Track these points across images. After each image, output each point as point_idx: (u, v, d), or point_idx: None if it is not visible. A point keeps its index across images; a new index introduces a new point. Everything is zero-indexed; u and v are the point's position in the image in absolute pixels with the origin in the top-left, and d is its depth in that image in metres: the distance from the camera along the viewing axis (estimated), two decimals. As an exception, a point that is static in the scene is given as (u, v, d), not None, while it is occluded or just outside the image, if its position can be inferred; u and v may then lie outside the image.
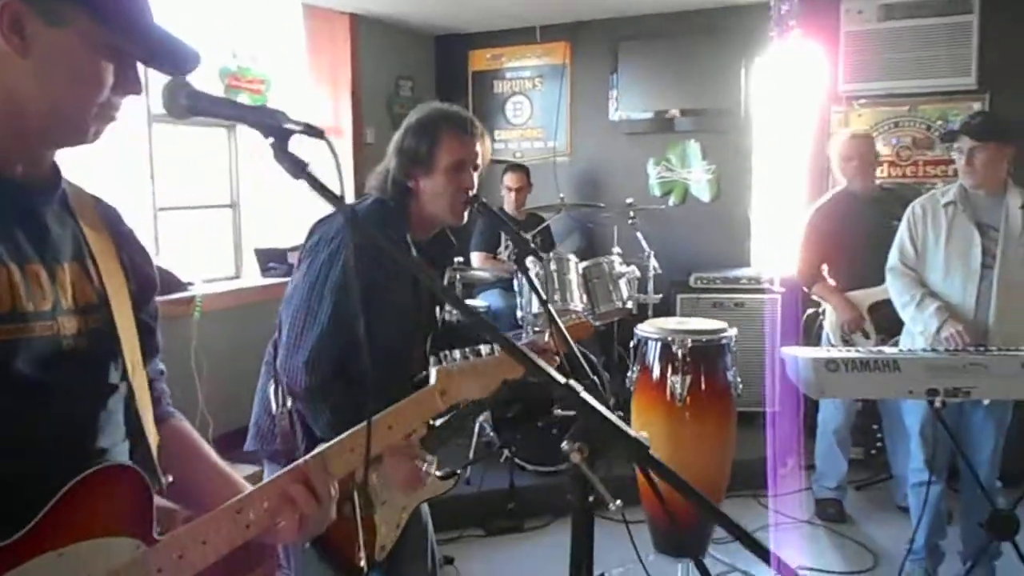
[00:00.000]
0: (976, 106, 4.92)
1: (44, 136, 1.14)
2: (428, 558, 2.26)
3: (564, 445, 1.13)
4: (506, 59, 6.07)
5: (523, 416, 4.17)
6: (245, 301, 4.48)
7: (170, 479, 1.23)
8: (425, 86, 6.05)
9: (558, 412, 4.13)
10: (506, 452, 4.18)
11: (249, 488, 1.26)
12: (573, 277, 4.40)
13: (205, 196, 4.70)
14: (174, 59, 1.18)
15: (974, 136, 3.20)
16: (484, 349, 1.57)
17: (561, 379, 1.18)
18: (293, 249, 5.07)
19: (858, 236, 3.89)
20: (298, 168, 1.23)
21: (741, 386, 3.31)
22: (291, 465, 1.25)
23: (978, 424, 3.28)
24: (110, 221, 1.27)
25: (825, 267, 4.11)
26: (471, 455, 4.33)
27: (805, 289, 4.18)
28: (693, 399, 3.15)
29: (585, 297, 4.36)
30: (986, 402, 3.19)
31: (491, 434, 4.31)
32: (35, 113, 1.10)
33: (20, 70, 1.07)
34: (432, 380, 1.49)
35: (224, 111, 1.24)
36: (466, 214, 2.11)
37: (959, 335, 3.08)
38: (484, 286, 4.89)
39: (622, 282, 4.51)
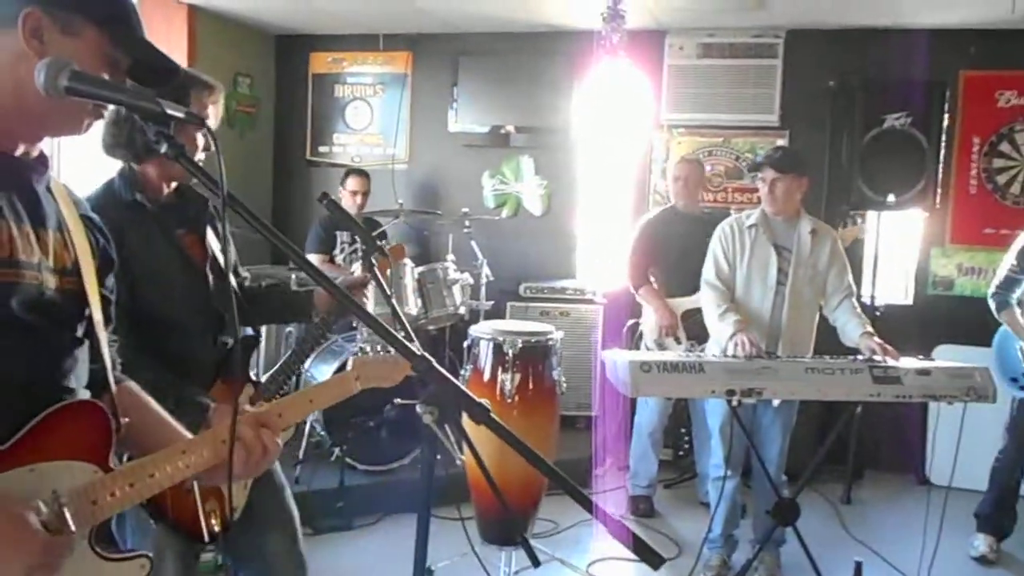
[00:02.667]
0: (780, 142, 5.49)
1: (46, 126, 1.33)
2: (288, 527, 2.30)
3: (418, 408, 1.30)
4: (347, 64, 6.15)
5: (354, 416, 4.28)
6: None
7: (126, 420, 1.41)
8: (264, 84, 6.05)
9: (389, 412, 4.28)
10: (336, 451, 4.27)
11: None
12: (408, 282, 4.55)
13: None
14: (157, 72, 1.39)
15: (776, 168, 3.63)
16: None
17: (416, 350, 1.35)
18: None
19: (676, 250, 4.30)
20: (177, 152, 1.35)
21: (565, 385, 3.59)
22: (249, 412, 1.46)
23: (768, 424, 3.71)
24: (79, 206, 1.46)
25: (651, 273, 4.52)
26: (301, 455, 4.39)
27: (632, 290, 4.55)
28: (521, 397, 3.39)
29: (419, 301, 4.53)
30: (776, 403, 3.63)
31: (322, 434, 4.38)
32: (42, 106, 1.26)
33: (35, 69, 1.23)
34: (349, 366, 1.76)
35: (105, 94, 1.33)
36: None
37: (744, 342, 3.41)
38: (318, 288, 4.95)
39: (455, 288, 4.72)
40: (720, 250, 3.76)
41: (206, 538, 2.03)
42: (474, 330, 3.59)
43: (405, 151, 6.10)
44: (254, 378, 2.24)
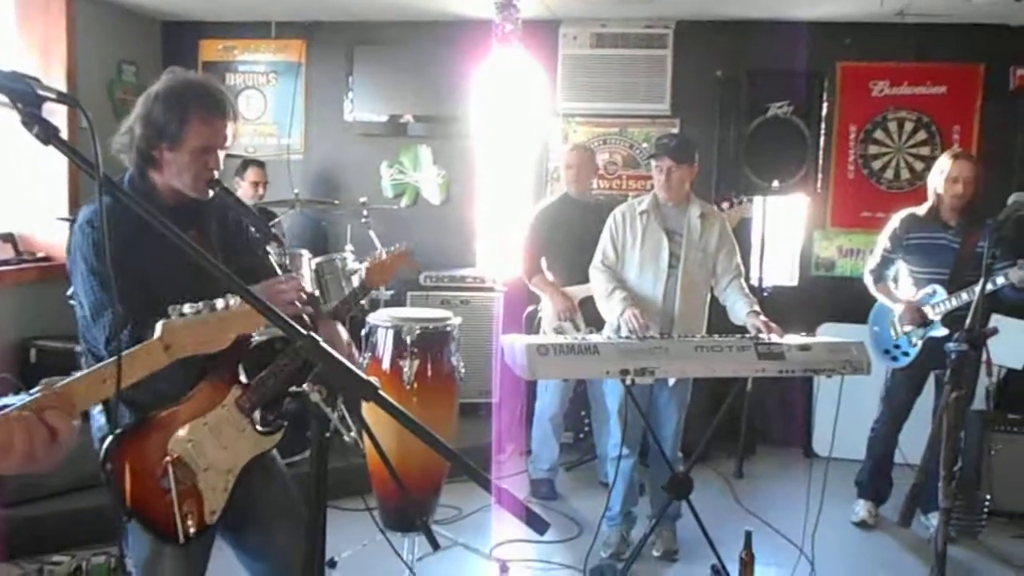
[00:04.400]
0: (672, 130, 5.63)
1: None
2: (295, 515, 2.23)
3: (305, 386, 1.30)
4: (239, 52, 6.02)
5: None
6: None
7: None
8: (150, 72, 5.81)
9: (290, 405, 4.22)
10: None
11: None
12: (305, 272, 4.51)
13: None
14: None
15: (673, 157, 3.74)
16: (219, 303, 1.53)
17: (303, 331, 1.36)
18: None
19: (572, 237, 4.37)
20: (49, 134, 1.31)
21: (464, 371, 3.62)
22: (29, 398, 1.26)
23: (663, 403, 3.83)
24: None
25: (544, 263, 4.58)
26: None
27: (526, 281, 4.61)
28: (420, 383, 3.40)
29: (317, 292, 4.48)
30: (671, 383, 3.74)
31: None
32: None
33: None
34: (157, 333, 1.45)
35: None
36: (210, 191, 2.16)
37: (635, 317, 3.54)
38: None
39: (354, 278, 4.70)
40: (609, 237, 3.86)
41: (181, 539, 1.98)
42: (372, 318, 3.58)
43: (300, 141, 6.02)
44: (244, 380, 2.16)
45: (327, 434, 1.36)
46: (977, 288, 2.83)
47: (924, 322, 3.99)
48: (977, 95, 5.36)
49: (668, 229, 3.79)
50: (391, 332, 3.47)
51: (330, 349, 1.35)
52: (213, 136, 2.12)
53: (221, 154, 2.17)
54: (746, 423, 5.03)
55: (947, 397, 2.74)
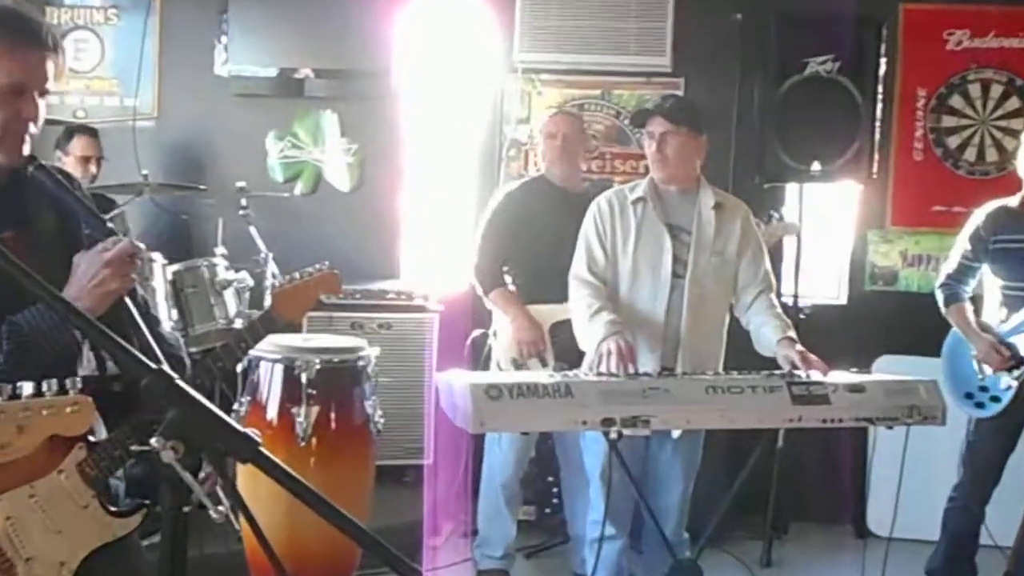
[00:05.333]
0: (674, 93, 5.64)
1: None
2: None
3: (154, 442, 1.24)
4: (66, -22, 5.96)
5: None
6: None
7: None
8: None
9: (133, 469, 4.13)
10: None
11: None
12: (159, 285, 4.43)
13: None
14: None
15: (667, 118, 3.73)
16: (27, 388, 1.43)
17: (152, 364, 1.30)
18: None
19: (547, 234, 4.33)
20: None
21: (383, 422, 3.57)
22: None
23: (665, 464, 3.81)
24: None
25: (506, 271, 4.55)
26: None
27: (481, 293, 4.58)
28: (321, 439, 3.37)
29: (175, 312, 4.40)
30: (675, 436, 3.71)
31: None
32: None
33: None
34: None
35: None
36: (25, 148, 2.11)
37: (618, 350, 3.48)
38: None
39: (228, 293, 4.64)
40: (595, 235, 3.83)
41: None
42: (254, 348, 3.52)
43: (152, 103, 5.97)
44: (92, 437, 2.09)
45: (186, 508, 1.30)
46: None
47: (1015, 364, 4.02)
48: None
49: (671, 224, 3.79)
50: (280, 368, 3.43)
51: (190, 389, 1.29)
52: (24, 71, 2.08)
53: (41, 103, 2.12)
54: (776, 492, 5.03)
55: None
